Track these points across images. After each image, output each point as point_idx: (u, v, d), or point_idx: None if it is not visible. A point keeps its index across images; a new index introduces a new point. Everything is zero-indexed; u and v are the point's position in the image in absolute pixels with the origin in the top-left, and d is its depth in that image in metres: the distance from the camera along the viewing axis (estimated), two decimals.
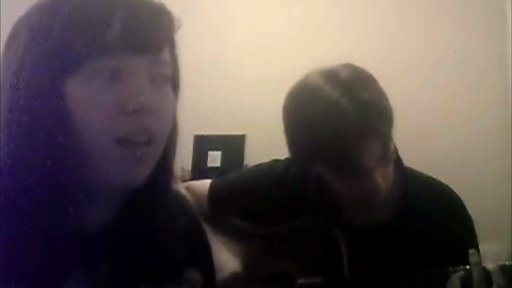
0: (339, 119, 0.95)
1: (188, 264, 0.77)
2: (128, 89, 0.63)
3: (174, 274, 0.74)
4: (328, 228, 1.05)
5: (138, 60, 0.64)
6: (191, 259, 0.78)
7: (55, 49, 0.62)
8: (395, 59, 2.75)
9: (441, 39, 2.79)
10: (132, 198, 0.69)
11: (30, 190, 0.60)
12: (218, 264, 0.93)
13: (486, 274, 0.88)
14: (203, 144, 2.97)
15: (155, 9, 0.66)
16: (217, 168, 2.91)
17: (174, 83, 0.70)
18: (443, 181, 1.14)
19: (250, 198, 1.15)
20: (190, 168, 2.91)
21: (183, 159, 2.82)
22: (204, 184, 1.21)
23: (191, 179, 1.92)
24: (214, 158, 2.96)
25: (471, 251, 0.90)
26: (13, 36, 0.65)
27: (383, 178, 0.99)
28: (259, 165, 1.24)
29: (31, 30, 0.63)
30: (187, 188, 1.18)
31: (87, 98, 0.62)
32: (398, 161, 1.07)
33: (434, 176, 1.15)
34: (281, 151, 1.09)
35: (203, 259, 0.84)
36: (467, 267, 0.90)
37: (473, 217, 1.11)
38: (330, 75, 1.00)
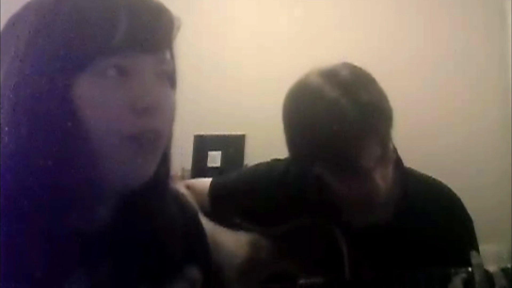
0: (338, 119, 0.95)
1: (188, 263, 0.77)
2: (136, 88, 0.64)
3: (174, 274, 0.74)
4: (328, 228, 1.05)
5: (144, 59, 0.65)
6: (191, 258, 0.78)
7: (58, 48, 0.61)
8: (395, 59, 2.74)
9: (441, 39, 2.79)
10: (131, 198, 0.69)
11: (31, 190, 0.60)
12: (218, 263, 0.93)
13: (488, 276, 0.88)
14: (203, 144, 2.97)
15: (156, 8, 0.67)
16: (217, 168, 2.91)
17: (172, 80, 0.70)
18: (443, 181, 1.14)
19: (250, 198, 1.15)
20: (190, 168, 2.91)
21: (183, 159, 2.82)
22: (205, 182, 1.21)
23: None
24: (214, 158, 2.96)
25: (473, 252, 0.90)
26: (11, 35, 0.65)
27: (382, 179, 0.99)
28: (259, 164, 1.24)
29: (31, 29, 0.63)
30: (188, 187, 1.18)
31: (94, 98, 0.62)
32: (398, 161, 1.07)
33: (434, 176, 1.15)
34: (281, 151, 1.09)
35: (203, 258, 0.84)
36: (469, 268, 0.90)
37: (473, 217, 1.11)
38: (330, 75, 1.00)
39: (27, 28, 0.64)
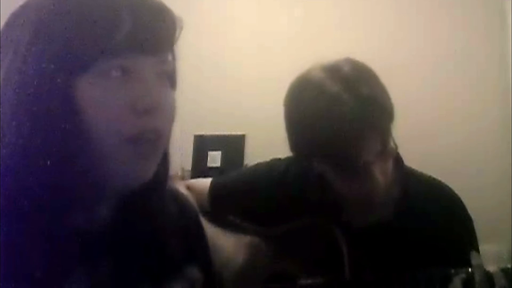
0: (340, 113, 0.95)
1: (188, 263, 0.77)
2: (137, 89, 0.63)
3: (174, 274, 0.74)
4: (328, 228, 1.05)
5: (146, 60, 0.65)
6: (191, 258, 0.78)
7: (59, 48, 0.61)
8: (395, 59, 2.74)
9: (441, 39, 2.79)
10: (132, 198, 0.69)
11: (31, 190, 0.60)
12: (219, 263, 0.93)
13: (488, 276, 0.88)
14: (203, 144, 2.97)
15: (158, 9, 0.66)
16: (217, 168, 2.91)
17: (172, 80, 0.70)
18: (443, 181, 1.14)
19: (250, 198, 1.15)
20: (190, 168, 2.91)
21: (183, 159, 2.82)
22: (205, 182, 1.21)
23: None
24: (214, 158, 2.96)
25: (473, 253, 0.90)
26: (12, 34, 0.64)
27: (382, 174, 0.99)
28: (259, 164, 1.24)
29: (32, 29, 0.63)
30: (188, 187, 1.18)
31: (96, 98, 0.62)
32: (398, 161, 1.07)
33: (434, 176, 1.15)
34: (281, 151, 1.09)
35: (203, 258, 0.84)
36: (469, 269, 0.90)
37: (473, 217, 1.11)
38: (332, 70, 1.00)
39: (28, 27, 0.63)
